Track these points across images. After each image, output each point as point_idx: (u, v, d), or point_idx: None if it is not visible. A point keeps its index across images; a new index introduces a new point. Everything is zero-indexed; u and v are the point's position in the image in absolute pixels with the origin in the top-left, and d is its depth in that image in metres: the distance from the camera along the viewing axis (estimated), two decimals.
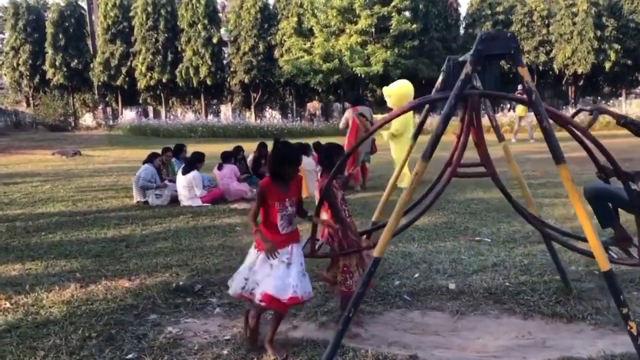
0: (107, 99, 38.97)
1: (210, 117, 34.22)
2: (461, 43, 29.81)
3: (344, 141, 10.90)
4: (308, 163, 9.53)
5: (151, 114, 36.81)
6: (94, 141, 26.77)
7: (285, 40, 30.82)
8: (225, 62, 34.31)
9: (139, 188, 8.93)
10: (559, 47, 28.01)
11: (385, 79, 26.06)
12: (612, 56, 27.52)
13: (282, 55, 30.57)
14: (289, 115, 33.45)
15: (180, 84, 33.49)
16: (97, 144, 25.37)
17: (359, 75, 25.75)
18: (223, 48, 34.33)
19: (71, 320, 3.94)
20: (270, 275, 3.28)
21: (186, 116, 35.77)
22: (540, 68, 28.92)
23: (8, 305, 4.28)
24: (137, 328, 3.85)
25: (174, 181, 9.48)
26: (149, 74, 33.46)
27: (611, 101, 29.64)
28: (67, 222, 7.64)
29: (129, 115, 36.03)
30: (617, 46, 27.78)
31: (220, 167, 9.45)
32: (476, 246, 5.74)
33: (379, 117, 10.49)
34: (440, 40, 29.08)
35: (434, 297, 4.38)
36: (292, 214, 3.41)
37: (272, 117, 34.01)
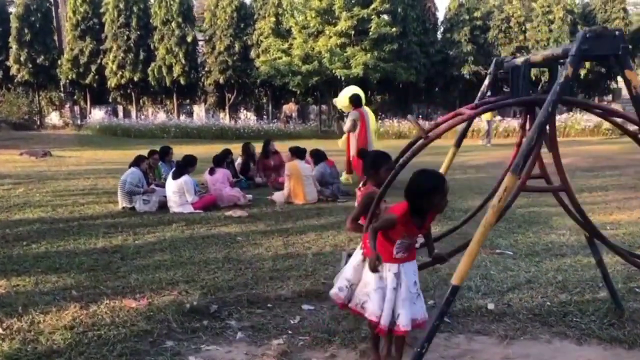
0: (75, 97, 37.69)
1: (182, 117, 33.42)
2: (439, 47, 29.81)
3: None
4: (303, 168, 9.15)
5: (121, 114, 35.72)
6: (62, 141, 25.75)
7: (262, 41, 30.28)
8: (199, 61, 33.53)
9: (125, 193, 8.36)
10: (536, 54, 28.08)
11: (365, 82, 25.83)
12: (586, 64, 27.91)
13: (258, 56, 30.02)
14: (264, 116, 32.92)
15: (153, 83, 32.58)
16: (67, 144, 24.39)
17: (339, 77, 25.43)
18: (197, 47, 33.57)
19: (79, 349, 3.46)
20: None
21: (157, 116, 34.84)
22: None
23: (0, 330, 3.76)
24: (155, 358, 3.40)
25: (160, 186, 8.98)
26: (120, 73, 32.46)
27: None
28: (50, 230, 7.05)
29: (97, 115, 34.89)
30: None
31: (212, 172, 8.98)
32: (501, 260, 5.44)
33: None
34: (418, 45, 29.00)
35: (475, 319, 4.05)
36: (412, 244, 3.09)
37: (247, 118, 33.45)
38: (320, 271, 5.13)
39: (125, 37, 32.14)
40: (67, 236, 6.66)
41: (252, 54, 30.76)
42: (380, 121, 24.09)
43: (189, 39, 31.70)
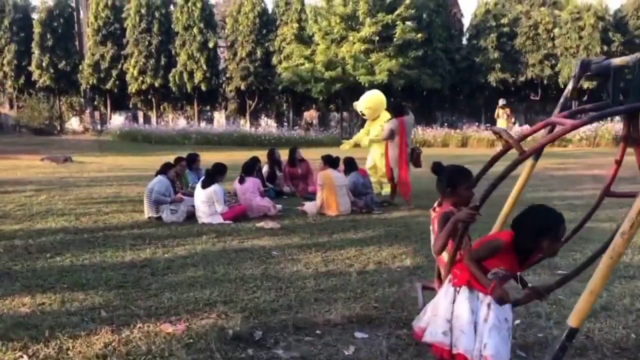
0: (95, 102, 37.72)
1: (202, 124, 33.24)
2: (464, 54, 29.27)
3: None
4: (337, 177, 8.74)
5: (141, 120, 35.67)
6: (83, 146, 25.65)
7: (284, 47, 30.01)
8: (220, 67, 33.33)
9: (152, 202, 8.01)
10: (565, 61, 27.51)
11: (389, 88, 25.37)
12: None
13: (280, 62, 29.73)
14: (285, 123, 32.62)
15: (173, 89, 32.45)
16: (87, 149, 24.26)
17: (362, 84, 25.00)
18: (218, 53, 33.40)
19: None
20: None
21: (178, 122, 34.72)
22: (545, 82, 28.41)
23: (26, 358, 3.38)
24: None
25: (188, 194, 8.63)
26: (141, 78, 32.37)
27: (616, 118, 29.28)
28: (74, 241, 6.72)
29: (118, 120, 34.88)
30: None
31: (242, 181, 8.60)
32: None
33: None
34: (444, 51, 28.51)
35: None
36: (507, 278, 2.81)
37: (268, 125, 33.14)
38: (369, 293, 4.71)
39: (147, 43, 32.07)
40: (92, 248, 6.32)
41: (274, 60, 30.50)
42: None
43: (211, 45, 31.55)
